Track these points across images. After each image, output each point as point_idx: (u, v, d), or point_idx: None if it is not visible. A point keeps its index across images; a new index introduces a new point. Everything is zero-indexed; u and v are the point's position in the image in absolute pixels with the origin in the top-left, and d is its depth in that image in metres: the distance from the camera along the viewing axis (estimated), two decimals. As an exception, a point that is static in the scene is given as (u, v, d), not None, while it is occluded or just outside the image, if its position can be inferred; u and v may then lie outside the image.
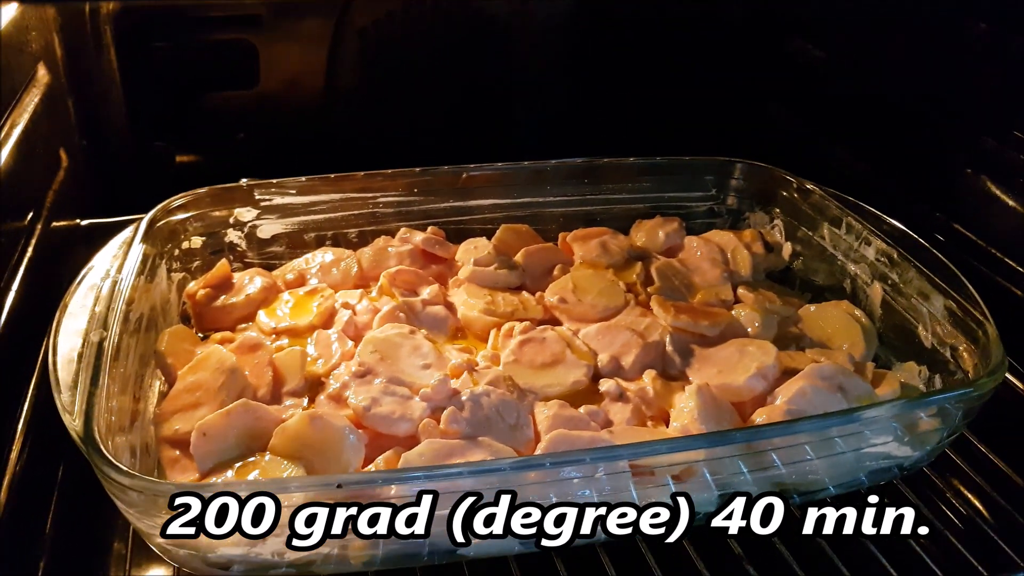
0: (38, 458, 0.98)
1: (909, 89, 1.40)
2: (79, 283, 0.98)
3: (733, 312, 1.15)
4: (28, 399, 1.01)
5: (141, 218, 1.11)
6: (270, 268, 1.22)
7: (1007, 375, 1.15)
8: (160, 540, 0.78)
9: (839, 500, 0.97)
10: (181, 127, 1.52)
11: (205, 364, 0.96)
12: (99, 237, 1.24)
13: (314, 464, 0.86)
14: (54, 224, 1.21)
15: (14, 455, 0.95)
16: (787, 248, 1.31)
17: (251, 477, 0.84)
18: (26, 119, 1.13)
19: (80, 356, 0.87)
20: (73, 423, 0.79)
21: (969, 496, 1.03)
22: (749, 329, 1.12)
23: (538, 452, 0.90)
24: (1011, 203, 1.22)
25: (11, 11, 1.11)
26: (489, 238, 1.28)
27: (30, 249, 1.10)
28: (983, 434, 1.09)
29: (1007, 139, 1.21)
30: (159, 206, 1.13)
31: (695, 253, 1.28)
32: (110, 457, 0.74)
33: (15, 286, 1.03)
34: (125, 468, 0.73)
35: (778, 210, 1.34)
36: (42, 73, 1.24)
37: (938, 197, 1.34)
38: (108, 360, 0.86)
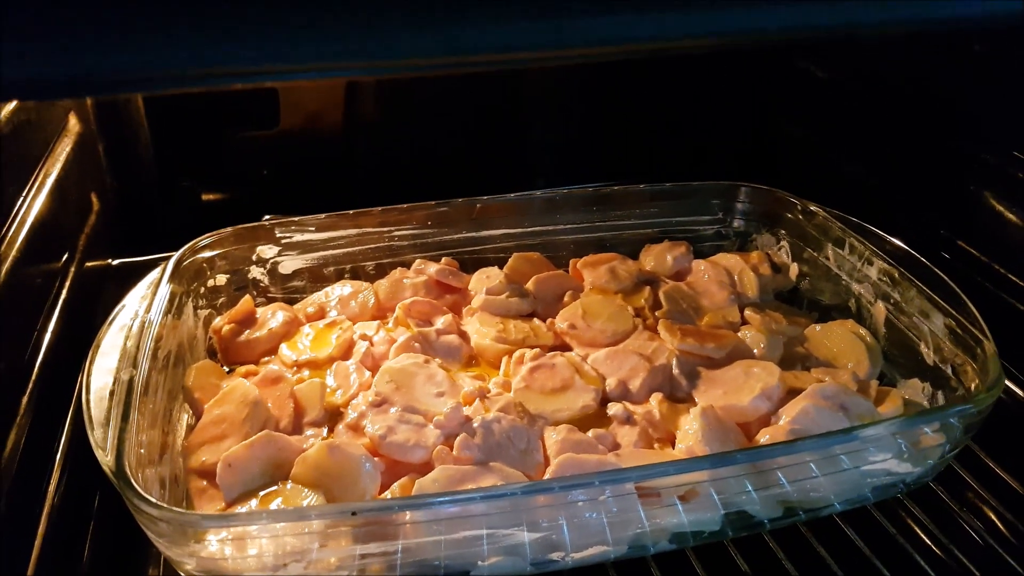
0: (75, 489, 1.02)
1: (913, 109, 1.42)
2: (111, 323, 1.03)
3: (740, 333, 1.18)
4: (65, 433, 1.06)
5: (169, 257, 1.17)
6: (292, 302, 1.27)
7: (1015, 388, 1.18)
8: (189, 567, 0.82)
9: (845, 517, 1.00)
10: (206, 167, 1.58)
11: (230, 397, 1.01)
12: (130, 276, 1.30)
13: (333, 491, 0.90)
14: (87, 265, 1.27)
15: (52, 487, 1.00)
16: (794, 269, 1.34)
17: (274, 505, 0.88)
18: (59, 167, 1.19)
19: (112, 393, 0.92)
20: (105, 458, 0.83)
21: (977, 509, 1.05)
22: (755, 350, 1.15)
23: (547, 476, 0.94)
24: (1014, 219, 1.24)
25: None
26: (502, 267, 1.32)
27: (65, 290, 1.16)
28: (991, 447, 1.10)
29: (1008, 158, 1.23)
30: (185, 247, 1.18)
31: (703, 276, 1.31)
32: (140, 490, 0.79)
33: (51, 325, 1.09)
34: (154, 500, 0.78)
35: (784, 231, 1.37)
36: (73, 122, 1.31)
37: (943, 215, 1.35)
38: (138, 397, 0.91)
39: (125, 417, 0.87)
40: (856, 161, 1.56)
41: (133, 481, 0.80)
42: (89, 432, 0.87)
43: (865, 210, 1.29)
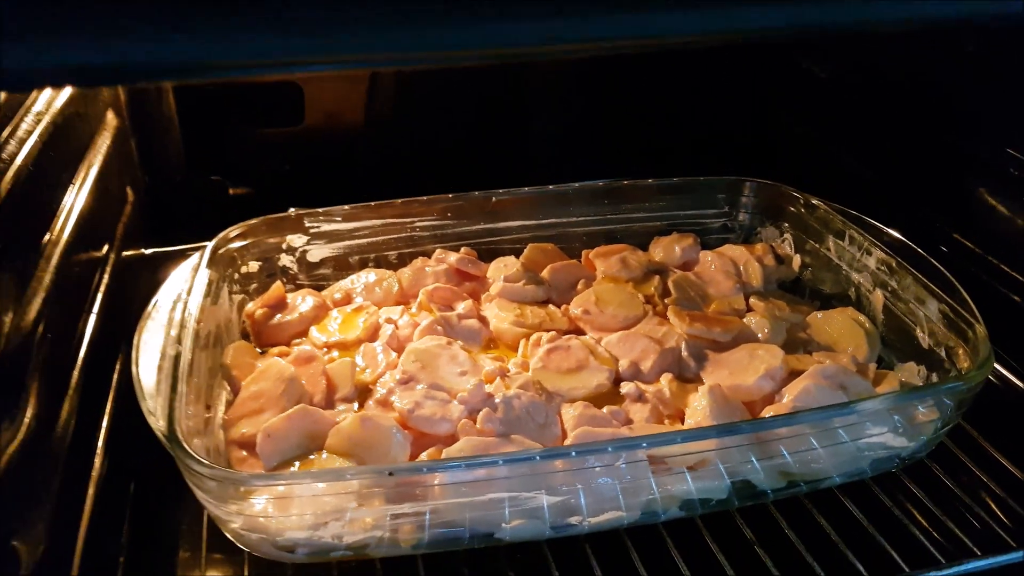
0: (113, 472, 1.08)
1: (911, 107, 1.48)
2: (154, 305, 1.10)
3: (744, 320, 1.24)
4: (107, 414, 1.13)
5: (202, 246, 1.23)
6: (319, 288, 1.33)
7: (1007, 374, 1.24)
8: (234, 526, 0.89)
9: (845, 490, 1.05)
10: (233, 161, 1.64)
11: (267, 375, 1.07)
12: (162, 264, 1.38)
13: (366, 460, 0.96)
14: (124, 254, 1.33)
15: (98, 462, 1.07)
16: (796, 260, 1.40)
17: (311, 472, 0.95)
18: (100, 160, 1.25)
19: (160, 369, 0.98)
20: (158, 424, 0.90)
21: (970, 486, 1.10)
22: (759, 335, 1.21)
23: (565, 446, 1.00)
24: (1007, 213, 1.30)
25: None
26: (517, 257, 1.38)
27: (106, 276, 1.22)
28: (985, 428, 1.16)
29: (1001, 154, 1.30)
30: (220, 235, 1.24)
31: (709, 267, 1.37)
32: (191, 451, 0.85)
33: (95, 310, 1.15)
34: (206, 461, 0.84)
35: (787, 224, 1.43)
36: (111, 117, 1.37)
37: (939, 209, 1.42)
38: (184, 371, 0.97)
39: (174, 388, 0.94)
40: (855, 156, 1.62)
41: (184, 444, 0.86)
42: (141, 401, 0.93)
43: (864, 204, 1.35)
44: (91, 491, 1.03)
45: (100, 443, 1.09)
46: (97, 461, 1.06)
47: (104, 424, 1.11)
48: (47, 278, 0.99)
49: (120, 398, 1.15)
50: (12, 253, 0.93)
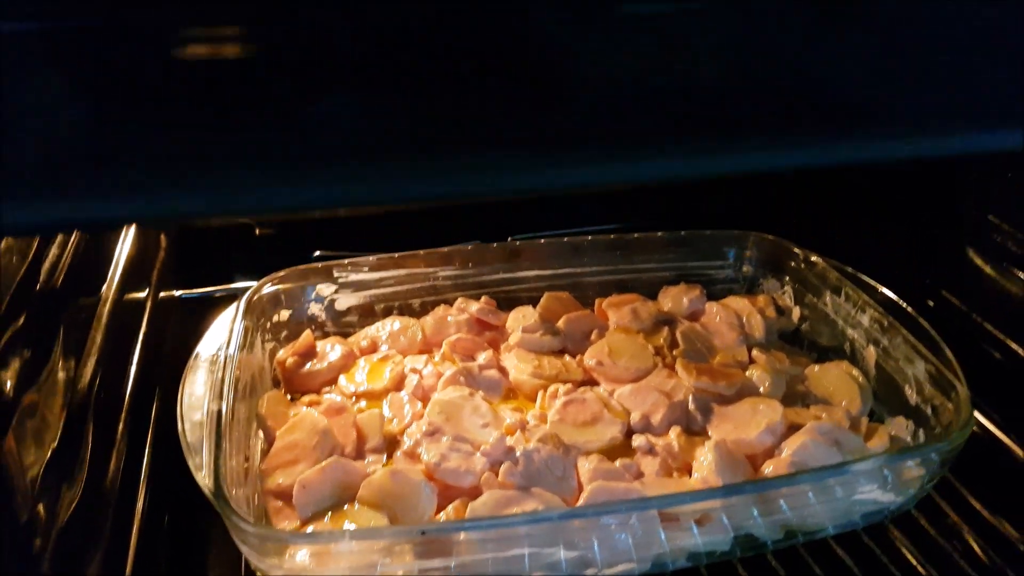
0: (152, 509, 1.16)
1: (899, 177, 1.57)
2: (195, 357, 1.17)
3: (747, 372, 1.31)
4: (146, 457, 1.21)
5: (232, 288, 1.30)
6: (346, 335, 1.40)
7: (988, 424, 1.32)
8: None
9: (838, 540, 1.13)
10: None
11: (301, 426, 1.14)
12: (194, 306, 1.46)
13: (395, 512, 1.03)
14: (160, 296, 1.41)
15: (140, 502, 1.14)
16: (796, 312, 1.47)
17: (345, 524, 1.02)
18: (140, 212, 1.33)
19: (203, 424, 1.05)
20: (205, 482, 0.97)
21: (953, 535, 1.18)
22: (761, 388, 1.28)
23: (581, 501, 1.07)
24: (992, 274, 1.38)
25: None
26: (534, 305, 1.45)
27: (144, 323, 1.30)
28: (966, 477, 1.24)
29: (983, 221, 1.38)
30: (253, 287, 1.31)
31: (715, 318, 1.44)
32: (237, 511, 0.92)
33: (136, 355, 1.23)
34: (251, 520, 0.91)
35: (788, 277, 1.50)
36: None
37: (929, 268, 1.50)
38: (227, 425, 1.05)
39: (218, 444, 1.00)
40: (851, 221, 1.70)
41: (230, 502, 0.93)
42: (188, 458, 1.01)
43: (861, 265, 1.42)
44: (135, 527, 1.11)
45: (142, 482, 1.17)
46: (140, 502, 1.14)
47: (144, 464, 1.19)
48: (99, 336, 1.07)
49: (157, 438, 1.23)
50: (74, 311, 1.01)
